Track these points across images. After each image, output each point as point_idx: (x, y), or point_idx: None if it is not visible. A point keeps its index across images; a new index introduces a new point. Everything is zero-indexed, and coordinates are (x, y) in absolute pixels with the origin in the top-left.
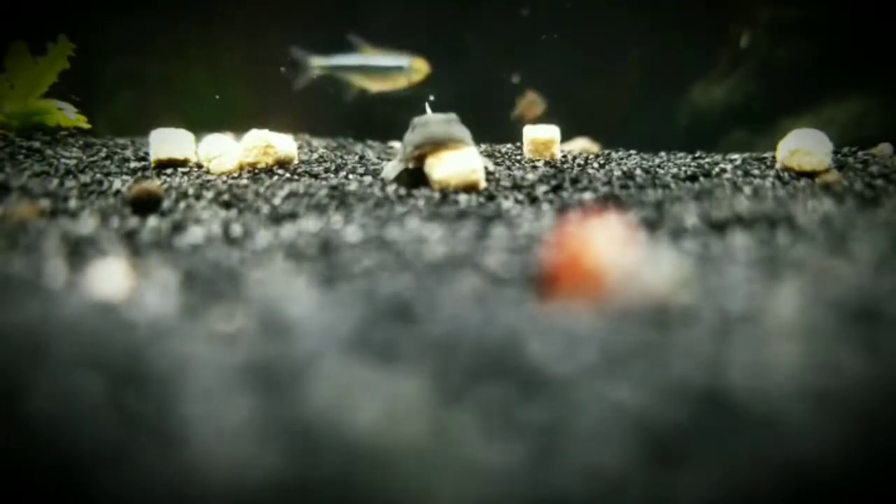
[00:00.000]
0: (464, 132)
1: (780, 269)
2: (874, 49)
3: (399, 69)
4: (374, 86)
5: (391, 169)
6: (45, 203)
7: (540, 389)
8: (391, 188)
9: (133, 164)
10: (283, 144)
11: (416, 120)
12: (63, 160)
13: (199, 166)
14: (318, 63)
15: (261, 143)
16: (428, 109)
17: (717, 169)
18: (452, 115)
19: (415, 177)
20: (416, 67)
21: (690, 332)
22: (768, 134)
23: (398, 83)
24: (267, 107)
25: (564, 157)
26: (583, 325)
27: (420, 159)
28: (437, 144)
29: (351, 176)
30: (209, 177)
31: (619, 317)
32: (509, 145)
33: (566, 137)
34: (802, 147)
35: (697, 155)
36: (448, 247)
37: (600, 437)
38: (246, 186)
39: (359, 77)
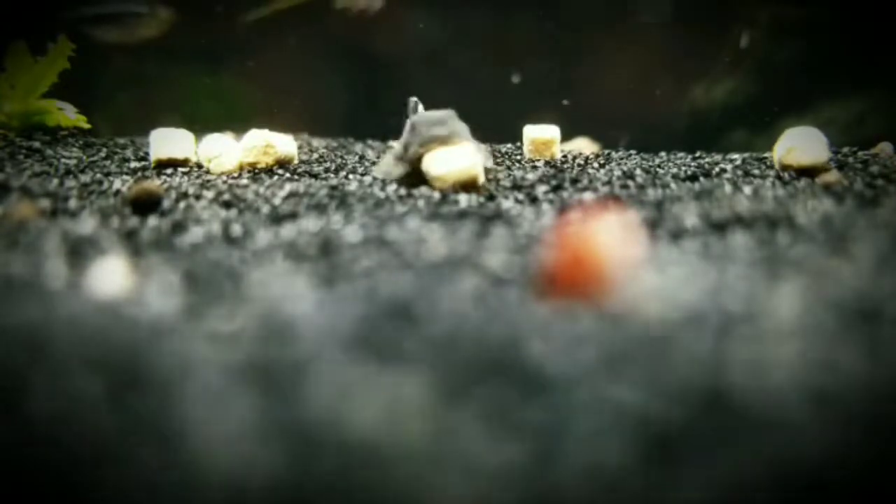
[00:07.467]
0: (465, 129)
1: (779, 269)
2: (874, 49)
3: None
4: None
5: (389, 169)
6: (45, 203)
7: (540, 389)
8: (391, 188)
9: (133, 164)
10: (283, 144)
11: (415, 118)
12: (63, 160)
13: (199, 166)
14: None
15: (261, 143)
16: (411, 107)
17: (717, 169)
18: (451, 112)
19: (414, 176)
20: None
21: (690, 331)
22: (768, 134)
23: None
24: (267, 106)
25: (564, 157)
26: (583, 325)
27: (421, 159)
28: (442, 143)
29: (351, 176)
30: (209, 177)
31: (620, 316)
32: (509, 145)
33: (566, 137)
34: (798, 144)
35: (697, 155)
36: (448, 247)
37: (600, 436)
38: (246, 186)
39: None
